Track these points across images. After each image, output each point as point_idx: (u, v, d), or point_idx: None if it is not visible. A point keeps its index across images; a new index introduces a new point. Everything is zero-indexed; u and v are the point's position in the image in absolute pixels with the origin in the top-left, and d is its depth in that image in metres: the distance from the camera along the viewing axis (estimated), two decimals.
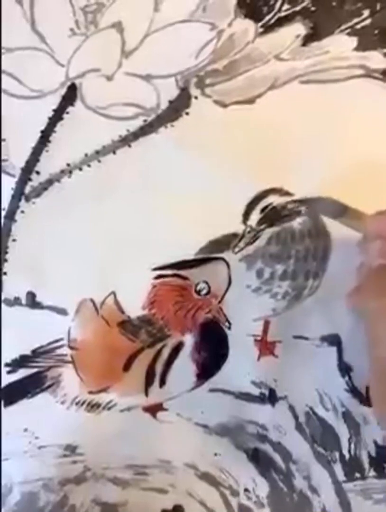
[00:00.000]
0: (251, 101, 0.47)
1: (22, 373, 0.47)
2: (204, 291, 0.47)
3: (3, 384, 0.47)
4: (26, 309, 0.47)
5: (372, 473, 0.47)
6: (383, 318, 0.39)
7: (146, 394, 0.47)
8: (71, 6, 0.47)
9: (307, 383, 0.47)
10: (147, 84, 0.47)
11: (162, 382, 0.47)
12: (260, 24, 0.47)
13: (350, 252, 0.44)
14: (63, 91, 0.47)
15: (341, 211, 0.44)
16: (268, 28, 0.47)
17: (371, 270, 0.42)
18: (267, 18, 0.47)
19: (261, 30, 0.47)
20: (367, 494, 0.47)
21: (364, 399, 0.47)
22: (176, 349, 0.47)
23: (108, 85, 0.47)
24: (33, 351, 0.47)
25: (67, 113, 0.47)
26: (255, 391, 0.48)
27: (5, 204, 0.47)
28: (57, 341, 0.47)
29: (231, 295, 0.47)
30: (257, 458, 0.48)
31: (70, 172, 0.47)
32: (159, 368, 0.47)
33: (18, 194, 0.47)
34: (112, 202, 0.47)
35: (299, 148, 0.47)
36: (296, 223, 0.46)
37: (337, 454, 0.47)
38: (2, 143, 0.47)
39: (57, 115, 0.47)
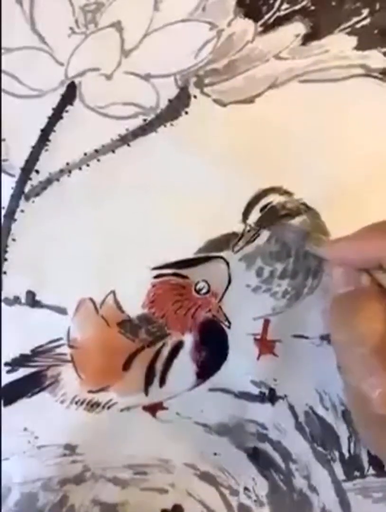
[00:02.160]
0: (250, 100, 0.47)
1: (21, 372, 0.47)
2: (204, 290, 0.47)
3: (3, 383, 0.47)
4: (25, 308, 0.47)
5: (371, 471, 0.47)
6: (349, 348, 0.38)
7: (146, 393, 0.47)
8: (70, 5, 0.46)
9: (307, 382, 0.47)
10: (147, 83, 0.47)
11: (162, 381, 0.47)
12: (259, 23, 0.47)
13: None
14: (62, 90, 0.47)
15: (303, 237, 0.44)
16: (268, 28, 0.47)
17: (334, 299, 0.41)
18: (267, 17, 0.47)
19: (260, 29, 0.47)
20: (366, 493, 0.47)
21: None
22: (176, 348, 0.47)
23: (107, 84, 0.47)
24: (33, 350, 0.47)
25: (67, 112, 0.47)
26: (255, 390, 0.48)
27: (5, 203, 0.47)
28: (56, 340, 0.47)
29: (230, 294, 0.47)
30: (257, 457, 0.48)
31: (70, 171, 0.47)
32: (159, 367, 0.47)
33: (18, 194, 0.47)
34: (112, 201, 0.47)
35: (298, 147, 0.47)
36: (296, 222, 0.46)
37: (336, 453, 0.47)
38: (2, 142, 0.47)
39: (57, 114, 0.47)
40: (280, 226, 0.46)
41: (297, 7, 0.47)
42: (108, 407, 0.48)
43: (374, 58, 0.47)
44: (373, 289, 0.39)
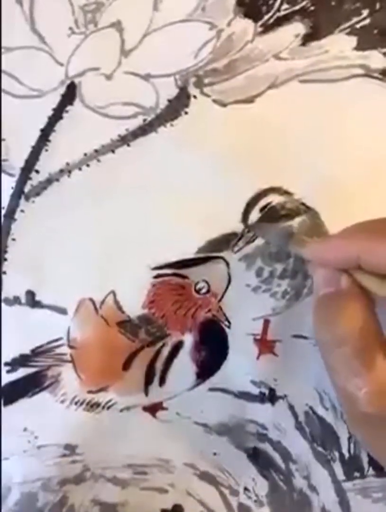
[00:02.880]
0: (250, 100, 0.47)
1: (21, 372, 0.47)
2: (203, 290, 0.47)
3: (3, 383, 0.47)
4: (25, 308, 0.47)
5: (371, 472, 0.47)
6: (333, 348, 0.38)
7: (146, 393, 0.47)
8: (70, 5, 0.47)
9: (306, 382, 0.47)
10: (146, 83, 0.47)
11: (162, 381, 0.47)
12: (259, 23, 0.47)
13: None
14: (62, 90, 0.47)
15: (288, 237, 0.44)
16: (268, 28, 0.47)
17: (317, 300, 0.41)
18: (266, 17, 0.47)
19: (260, 29, 0.47)
20: (366, 493, 0.47)
21: None
22: (176, 348, 0.47)
23: (107, 84, 0.47)
24: (33, 350, 0.47)
25: (67, 112, 0.47)
26: (255, 390, 0.48)
27: (5, 203, 0.47)
28: (56, 340, 0.47)
29: (230, 294, 0.47)
30: (256, 457, 0.48)
31: (70, 171, 0.47)
32: (158, 367, 0.47)
33: (18, 193, 0.47)
34: (112, 201, 0.47)
35: (298, 147, 0.47)
36: (295, 222, 0.46)
37: (336, 453, 0.47)
38: (2, 142, 0.47)
39: (57, 114, 0.47)
40: (263, 226, 0.46)
41: (297, 7, 0.47)
42: (108, 407, 0.48)
43: (374, 58, 0.47)
44: (353, 289, 0.39)
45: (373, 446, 0.41)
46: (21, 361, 0.47)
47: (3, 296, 0.47)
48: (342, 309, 0.38)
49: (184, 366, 0.47)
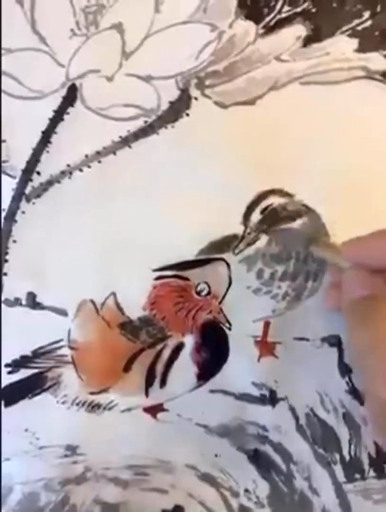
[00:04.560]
0: (251, 102, 0.47)
1: (22, 373, 0.47)
2: (204, 292, 0.47)
3: (4, 384, 0.47)
4: (26, 310, 0.47)
5: (372, 473, 0.47)
6: (370, 353, 0.37)
7: (147, 394, 0.48)
8: (71, 7, 0.46)
9: (307, 384, 0.47)
10: (148, 85, 0.47)
11: (163, 383, 0.47)
12: (260, 25, 0.47)
13: None
14: (63, 91, 0.47)
15: (307, 241, 0.44)
16: (269, 30, 0.47)
17: (350, 304, 0.40)
18: (268, 19, 0.47)
19: (261, 31, 0.47)
20: (367, 494, 0.47)
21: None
22: (177, 350, 0.47)
23: (108, 86, 0.47)
24: (34, 352, 0.47)
25: (68, 113, 0.47)
26: (256, 392, 0.48)
27: (6, 205, 0.47)
28: (57, 341, 0.47)
29: (231, 296, 0.47)
30: (257, 459, 0.48)
31: (71, 173, 0.47)
32: (159, 368, 0.47)
33: (19, 195, 0.47)
34: (112, 203, 0.47)
35: (299, 149, 0.47)
36: (296, 224, 0.46)
37: (337, 455, 0.47)
38: (2, 144, 0.47)
39: (58, 116, 0.47)
40: (282, 230, 0.46)
41: (298, 9, 0.47)
42: (109, 408, 0.48)
43: (375, 60, 0.47)
44: None
45: None
46: (22, 362, 0.47)
47: (4, 298, 0.47)
48: (379, 312, 0.38)
49: (185, 368, 0.47)
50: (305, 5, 0.47)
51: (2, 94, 0.47)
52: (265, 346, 0.47)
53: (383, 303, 0.39)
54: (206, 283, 0.47)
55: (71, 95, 0.47)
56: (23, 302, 0.47)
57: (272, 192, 0.46)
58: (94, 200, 0.47)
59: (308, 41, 0.47)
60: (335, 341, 0.47)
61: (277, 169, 0.47)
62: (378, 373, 0.37)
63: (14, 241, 0.47)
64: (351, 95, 0.47)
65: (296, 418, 0.48)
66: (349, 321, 0.40)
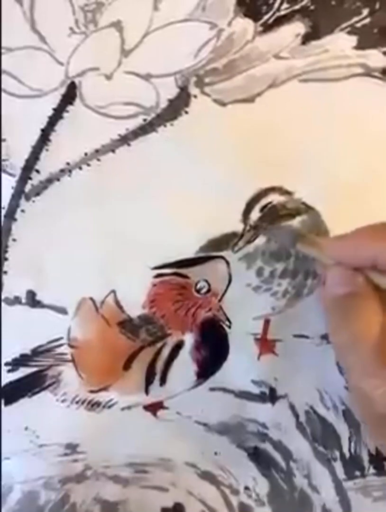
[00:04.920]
0: (250, 100, 0.47)
1: (22, 372, 0.47)
2: (204, 290, 0.47)
3: (3, 382, 0.47)
4: (26, 308, 0.47)
5: (371, 471, 0.48)
6: (349, 349, 0.38)
7: (147, 392, 0.48)
8: (70, 5, 0.46)
9: (307, 382, 0.47)
10: (147, 83, 0.47)
11: (163, 381, 0.47)
12: (259, 23, 0.47)
13: None
14: (62, 90, 0.47)
15: (298, 238, 0.44)
16: (268, 27, 0.47)
17: (331, 301, 0.41)
18: (267, 17, 0.47)
19: (260, 29, 0.47)
20: (367, 491, 0.47)
21: None
22: (177, 348, 0.47)
23: (107, 84, 0.47)
24: (33, 350, 0.47)
25: (67, 112, 0.47)
26: (256, 390, 0.48)
27: (5, 203, 0.47)
28: (57, 340, 0.47)
29: (231, 293, 0.47)
30: (257, 456, 0.48)
31: (70, 171, 0.47)
32: (159, 366, 0.47)
33: (18, 193, 0.47)
34: (112, 201, 0.47)
35: (298, 147, 0.47)
36: (296, 221, 0.46)
37: (337, 453, 0.47)
38: (2, 142, 0.47)
39: (57, 114, 0.47)
40: (273, 228, 0.46)
41: (297, 6, 0.47)
42: (109, 407, 0.48)
43: (374, 57, 0.47)
44: (370, 289, 0.39)
45: None
46: (22, 360, 0.47)
47: (3, 296, 0.47)
48: (359, 309, 0.39)
49: (184, 366, 0.47)
50: (304, 2, 0.47)
51: (2, 93, 0.47)
52: (265, 344, 0.47)
53: (363, 300, 0.39)
54: (205, 281, 0.47)
55: (70, 93, 0.47)
56: (23, 300, 0.47)
57: (271, 190, 0.46)
58: (94, 198, 0.47)
59: (307, 38, 0.47)
60: None
61: (276, 167, 0.47)
62: (356, 369, 0.38)
63: (14, 240, 0.47)
64: (350, 92, 0.47)
65: (296, 416, 0.48)
66: (330, 317, 0.41)
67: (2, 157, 0.47)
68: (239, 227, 0.46)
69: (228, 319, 0.47)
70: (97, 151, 0.47)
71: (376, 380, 0.36)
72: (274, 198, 0.46)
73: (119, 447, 0.48)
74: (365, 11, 0.47)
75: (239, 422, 0.48)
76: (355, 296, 0.39)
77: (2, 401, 0.47)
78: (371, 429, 0.42)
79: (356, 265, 0.40)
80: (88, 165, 0.47)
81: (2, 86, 0.47)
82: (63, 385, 0.48)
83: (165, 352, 0.47)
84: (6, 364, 0.47)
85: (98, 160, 0.47)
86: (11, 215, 0.47)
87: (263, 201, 0.46)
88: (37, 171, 0.47)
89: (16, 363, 0.47)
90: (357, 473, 0.47)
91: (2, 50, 0.47)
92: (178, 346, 0.47)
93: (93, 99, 0.47)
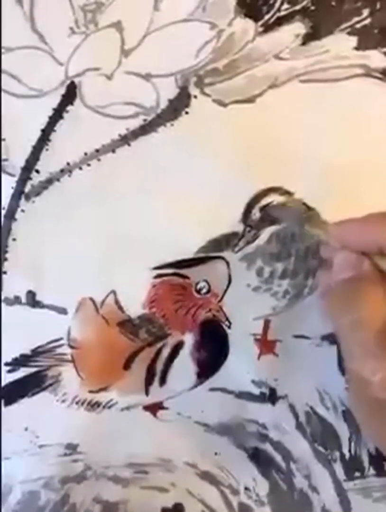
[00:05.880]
0: (251, 100, 0.47)
1: (22, 372, 0.47)
2: (204, 290, 0.47)
3: (4, 383, 0.47)
4: (26, 308, 0.47)
5: (372, 471, 0.48)
6: (351, 332, 0.38)
7: (147, 393, 0.48)
8: (70, 5, 0.46)
9: (307, 382, 0.47)
10: (147, 83, 0.47)
11: (163, 381, 0.47)
12: (260, 23, 0.46)
13: None
14: (62, 90, 0.47)
15: (305, 218, 0.44)
16: (268, 28, 0.47)
17: (336, 284, 0.41)
18: (267, 17, 0.46)
19: (261, 29, 0.46)
20: (367, 492, 0.47)
21: None
22: (176, 348, 0.47)
23: (107, 84, 0.47)
24: (33, 350, 0.47)
25: (67, 112, 0.47)
26: (256, 390, 0.48)
27: (5, 203, 0.47)
28: (57, 340, 0.47)
29: (231, 294, 0.47)
30: (257, 457, 0.48)
31: (70, 171, 0.47)
32: (159, 367, 0.47)
33: (18, 193, 0.47)
34: (112, 201, 0.47)
35: (299, 147, 0.47)
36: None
37: (337, 453, 0.47)
38: (2, 142, 0.47)
39: (57, 114, 0.47)
40: (278, 206, 0.46)
41: (297, 7, 0.47)
42: (109, 407, 0.48)
43: (374, 58, 0.47)
44: (374, 274, 0.39)
45: (378, 433, 0.41)
46: (22, 361, 0.47)
47: (3, 296, 0.47)
48: (362, 293, 0.38)
49: (184, 366, 0.47)
50: (305, 3, 0.47)
51: (2, 93, 0.47)
52: (265, 344, 0.47)
53: (368, 284, 0.39)
54: (205, 281, 0.47)
55: (70, 93, 0.47)
56: (23, 300, 0.47)
57: (271, 190, 0.46)
58: (94, 198, 0.47)
59: (307, 39, 0.47)
60: (335, 339, 0.47)
61: (276, 167, 0.47)
62: (356, 353, 0.38)
63: (14, 240, 0.47)
64: (351, 92, 0.47)
65: (296, 416, 0.48)
66: (333, 300, 0.41)
67: (2, 157, 0.47)
68: (239, 227, 0.46)
69: (228, 320, 0.47)
70: (97, 151, 0.47)
71: (375, 365, 0.36)
72: (275, 199, 0.46)
73: (119, 447, 0.48)
74: (366, 12, 0.47)
75: (239, 422, 0.48)
76: (360, 280, 0.39)
77: (2, 401, 0.47)
78: (361, 414, 0.42)
79: (363, 249, 0.40)
80: (88, 165, 0.47)
81: (2, 86, 0.47)
82: (63, 385, 0.48)
83: (165, 352, 0.47)
84: (6, 364, 0.47)
85: (98, 160, 0.47)
86: (11, 215, 0.47)
87: (264, 202, 0.46)
88: (37, 171, 0.47)
89: (16, 363, 0.47)
90: (357, 473, 0.47)
91: (2, 50, 0.47)
92: (178, 346, 0.47)
93: (93, 99, 0.47)
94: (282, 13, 0.47)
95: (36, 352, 0.47)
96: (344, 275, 0.40)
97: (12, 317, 0.47)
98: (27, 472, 0.48)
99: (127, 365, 0.47)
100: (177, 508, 0.48)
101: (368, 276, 0.39)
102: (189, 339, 0.47)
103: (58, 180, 0.47)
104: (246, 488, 0.48)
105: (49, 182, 0.47)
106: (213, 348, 0.47)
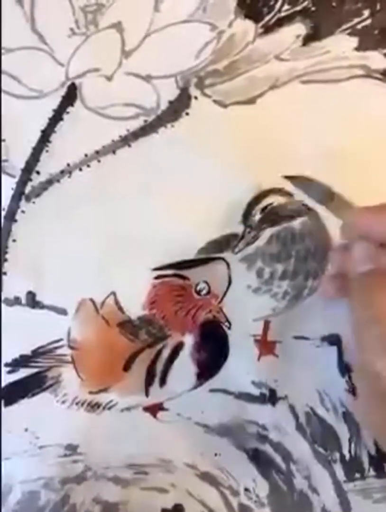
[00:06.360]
0: (251, 101, 0.47)
1: (22, 373, 0.47)
2: (204, 291, 0.47)
3: (4, 384, 0.47)
4: (26, 309, 0.47)
5: (372, 472, 0.47)
6: (368, 326, 0.38)
7: (147, 394, 0.47)
8: (71, 6, 0.46)
9: (307, 383, 0.47)
10: (147, 84, 0.47)
11: (163, 382, 0.47)
12: (260, 24, 0.47)
13: None
14: (63, 91, 0.47)
15: (329, 197, 0.44)
16: (268, 29, 0.47)
17: (356, 277, 0.40)
18: (267, 18, 0.47)
19: (261, 30, 0.47)
20: (367, 493, 0.47)
21: None
22: (176, 349, 0.47)
23: (108, 85, 0.47)
24: (33, 351, 0.47)
25: (67, 113, 0.47)
26: (256, 391, 0.48)
27: (5, 204, 0.47)
28: (57, 341, 0.47)
29: (231, 295, 0.47)
30: (257, 458, 0.48)
31: (70, 172, 0.47)
32: (159, 368, 0.47)
33: (18, 194, 0.47)
34: (112, 202, 0.47)
35: (299, 148, 0.47)
36: (297, 223, 0.46)
37: (337, 454, 0.47)
38: (2, 143, 0.47)
39: (57, 115, 0.47)
40: (305, 181, 0.46)
41: (297, 8, 0.47)
42: (109, 408, 0.48)
43: (375, 58, 0.47)
44: None
45: (384, 429, 0.41)
46: (22, 361, 0.47)
47: (3, 297, 0.47)
48: (383, 288, 0.38)
49: (184, 367, 0.47)
50: (305, 3, 0.47)
51: (2, 94, 0.47)
52: (265, 345, 0.47)
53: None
54: (205, 282, 0.47)
55: (70, 95, 0.47)
56: (23, 301, 0.47)
57: (272, 191, 0.46)
58: (94, 199, 0.47)
59: (308, 39, 0.47)
60: (335, 340, 0.47)
61: (276, 168, 0.46)
62: (372, 347, 0.38)
63: (14, 240, 0.47)
64: (351, 93, 0.47)
65: (296, 417, 0.48)
66: (352, 292, 0.40)
67: (2, 158, 0.47)
68: (239, 228, 0.46)
69: (228, 321, 0.47)
70: (97, 152, 0.47)
71: None
72: (275, 200, 0.46)
73: (119, 448, 0.48)
74: (366, 13, 0.47)
75: (239, 423, 0.48)
76: (379, 274, 0.39)
77: (2, 402, 0.47)
78: (368, 409, 0.41)
79: (382, 240, 0.40)
80: (89, 166, 0.47)
81: (2, 86, 0.47)
82: (63, 386, 0.48)
83: (165, 353, 0.47)
84: (6, 365, 0.47)
85: (99, 161, 0.47)
86: (11, 216, 0.47)
87: (264, 203, 0.46)
88: (37, 172, 0.47)
89: (16, 364, 0.47)
90: (357, 475, 0.47)
91: (2, 50, 0.47)
92: (178, 347, 0.47)
93: (94, 100, 0.47)
94: (283, 14, 0.47)
95: (36, 353, 0.47)
96: (363, 268, 0.40)
97: (12, 318, 0.47)
98: (27, 472, 0.48)
99: (127, 366, 0.47)
100: (177, 509, 0.48)
101: None
102: (189, 340, 0.47)
103: (58, 181, 0.47)
104: (246, 489, 0.48)
105: (49, 183, 0.47)
106: (213, 349, 0.47)
